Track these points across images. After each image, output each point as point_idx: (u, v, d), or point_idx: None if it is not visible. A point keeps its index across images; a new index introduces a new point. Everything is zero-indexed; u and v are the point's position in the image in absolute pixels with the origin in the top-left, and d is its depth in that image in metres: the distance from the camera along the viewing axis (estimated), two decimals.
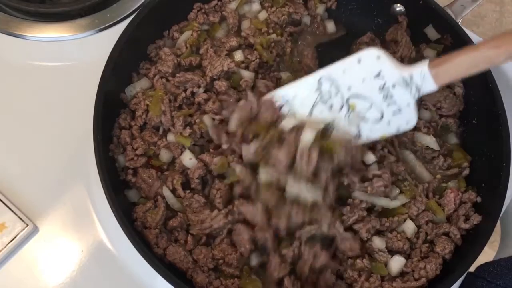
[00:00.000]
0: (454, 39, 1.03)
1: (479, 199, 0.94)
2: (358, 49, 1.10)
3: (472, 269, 0.97)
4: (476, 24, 2.44)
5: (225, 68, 0.95)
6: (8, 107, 1.02)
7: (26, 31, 1.07)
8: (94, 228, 0.94)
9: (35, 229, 0.92)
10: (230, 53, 1.00)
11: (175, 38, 1.03)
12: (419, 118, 1.00)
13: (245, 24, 1.05)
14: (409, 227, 0.91)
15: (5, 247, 0.89)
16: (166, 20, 1.03)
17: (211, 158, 0.91)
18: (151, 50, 1.01)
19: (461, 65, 0.76)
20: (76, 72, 1.06)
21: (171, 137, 0.93)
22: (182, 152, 0.92)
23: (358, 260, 0.88)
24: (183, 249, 0.86)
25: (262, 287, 0.86)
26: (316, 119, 0.88)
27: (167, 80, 0.96)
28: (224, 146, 0.91)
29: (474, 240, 0.88)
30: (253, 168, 0.88)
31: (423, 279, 0.86)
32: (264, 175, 0.86)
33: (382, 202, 0.92)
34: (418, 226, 0.92)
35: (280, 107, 0.90)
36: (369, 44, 1.11)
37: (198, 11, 1.05)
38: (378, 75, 0.82)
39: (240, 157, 0.90)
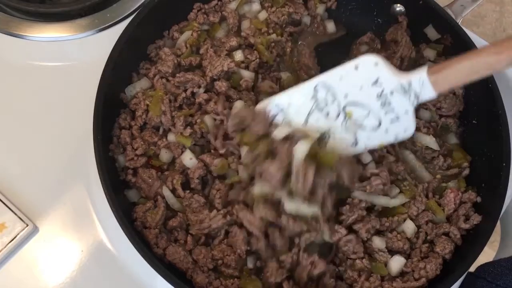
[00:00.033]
0: (454, 39, 1.03)
1: (479, 199, 0.93)
2: (358, 49, 1.10)
3: (472, 269, 0.97)
4: (476, 24, 2.44)
5: (225, 68, 0.95)
6: (8, 107, 1.02)
7: (26, 31, 1.07)
8: (94, 228, 0.94)
9: (35, 229, 0.93)
10: (230, 53, 1.00)
11: (175, 38, 1.03)
12: (419, 118, 1.00)
13: (245, 24, 1.05)
14: (409, 227, 0.91)
15: (5, 247, 0.89)
16: (166, 20, 1.03)
17: (212, 160, 0.91)
18: (151, 50, 1.01)
19: (461, 71, 0.74)
20: (76, 72, 1.06)
21: (171, 137, 0.93)
22: (182, 152, 0.92)
23: (358, 260, 0.88)
24: (183, 249, 0.86)
25: None
26: (311, 127, 0.86)
27: (167, 80, 0.96)
28: (221, 151, 0.91)
29: (474, 240, 0.88)
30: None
31: (423, 279, 0.86)
32: (259, 188, 0.85)
33: (382, 200, 0.91)
34: (418, 226, 0.92)
35: (273, 119, 0.88)
36: (369, 44, 1.11)
37: (198, 11, 1.05)
38: (375, 82, 0.81)
39: (240, 157, 0.91)
